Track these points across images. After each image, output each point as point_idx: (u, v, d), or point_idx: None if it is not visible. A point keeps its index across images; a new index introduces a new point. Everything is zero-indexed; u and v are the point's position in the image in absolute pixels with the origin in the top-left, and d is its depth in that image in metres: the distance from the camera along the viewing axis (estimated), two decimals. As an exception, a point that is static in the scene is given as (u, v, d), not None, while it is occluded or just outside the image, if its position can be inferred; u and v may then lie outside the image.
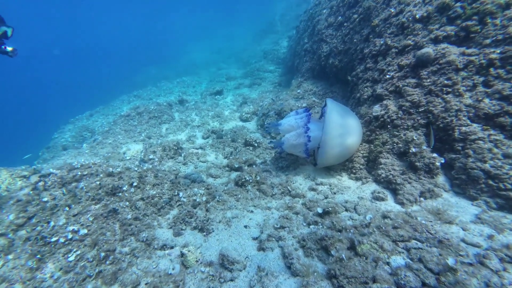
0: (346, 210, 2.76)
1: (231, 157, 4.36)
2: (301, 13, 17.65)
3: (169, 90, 11.35)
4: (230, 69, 16.65)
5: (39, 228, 2.36)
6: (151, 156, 4.18)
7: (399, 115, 3.15)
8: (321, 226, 2.47)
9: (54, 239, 2.24)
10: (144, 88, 12.09)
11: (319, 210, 2.63)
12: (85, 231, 2.36)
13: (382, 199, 2.88)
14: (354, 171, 3.49)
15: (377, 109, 3.47)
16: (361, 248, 1.93)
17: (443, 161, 2.74)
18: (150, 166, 3.34)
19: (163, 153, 4.30)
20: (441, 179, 2.81)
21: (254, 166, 3.99)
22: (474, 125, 2.62)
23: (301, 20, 10.27)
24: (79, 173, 2.91)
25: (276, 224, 2.59)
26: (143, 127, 5.67)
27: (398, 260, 1.93)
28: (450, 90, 2.80)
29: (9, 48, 3.90)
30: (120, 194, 2.73)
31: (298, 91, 6.94)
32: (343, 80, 5.98)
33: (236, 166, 3.98)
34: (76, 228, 2.36)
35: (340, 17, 6.30)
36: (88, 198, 2.65)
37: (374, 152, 3.36)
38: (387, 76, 3.54)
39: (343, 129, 3.13)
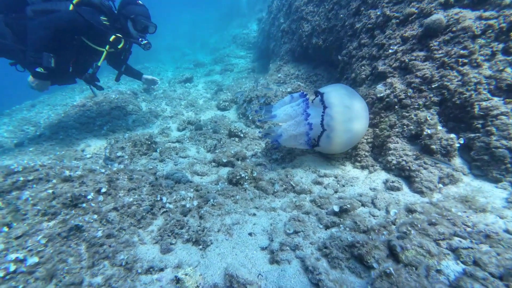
0: (363, 205, 2.46)
1: (216, 151, 3.85)
2: (270, -6, 17.02)
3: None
4: (197, 55, 15.73)
5: (-36, 263, 1.68)
6: (119, 154, 3.49)
7: (409, 94, 2.90)
8: (342, 228, 2.13)
9: (-12, 277, 1.60)
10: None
11: (336, 208, 2.28)
12: (35, 259, 1.74)
13: (398, 189, 2.63)
14: (358, 159, 3.21)
15: (381, 89, 3.20)
16: (406, 255, 1.62)
17: (462, 142, 2.55)
18: (121, 166, 2.70)
19: (134, 149, 3.64)
20: (458, 161, 2.63)
21: (245, 160, 3.54)
22: (495, 99, 2.44)
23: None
24: (21, 178, 2.20)
25: (288, 229, 2.19)
26: (104, 119, 4.85)
27: (451, 266, 1.65)
28: (466, 61, 2.58)
29: (144, 42, 3.98)
30: (84, 205, 2.11)
31: (279, 75, 6.53)
32: (328, 61, 5.69)
33: (224, 160, 3.49)
34: (21, 256, 1.73)
35: (321, -8, 5.93)
36: (36, 213, 2.00)
37: (381, 136, 3.10)
38: (390, 51, 3.27)
39: (351, 112, 2.79)
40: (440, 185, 2.49)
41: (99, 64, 4.04)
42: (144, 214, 2.25)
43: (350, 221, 2.16)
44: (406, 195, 2.52)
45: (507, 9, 2.45)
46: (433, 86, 2.74)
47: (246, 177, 2.90)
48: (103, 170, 2.43)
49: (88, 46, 3.86)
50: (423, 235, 1.79)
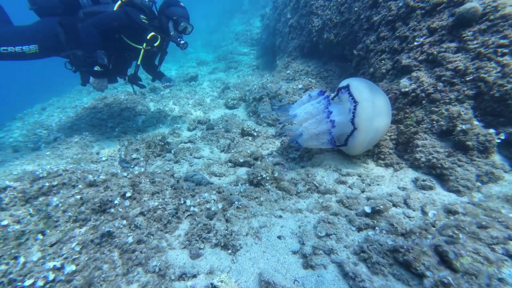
0: (395, 205, 2.36)
1: (232, 151, 3.76)
2: (273, -11, 16.87)
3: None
4: (199, 53, 15.61)
5: (2, 267, 1.61)
6: (134, 155, 3.41)
7: (438, 88, 2.80)
8: (378, 231, 2.03)
9: (28, 282, 1.53)
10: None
11: (367, 209, 2.19)
12: (72, 267, 1.67)
13: (430, 188, 2.53)
14: (382, 156, 3.11)
15: (405, 83, 3.10)
16: (461, 262, 1.52)
17: (504, 137, 2.45)
18: (142, 169, 2.61)
19: (148, 151, 3.55)
20: (497, 158, 2.53)
21: (261, 159, 3.45)
22: (537, 92, 2.35)
23: (278, -6, 9.65)
24: (47, 184, 2.12)
25: (320, 232, 2.10)
26: (115, 121, 4.76)
27: None
28: (507, 51, 2.47)
29: (182, 41, 4.14)
30: (112, 210, 2.03)
31: (288, 72, 6.42)
32: (340, 56, 5.58)
33: (241, 160, 3.40)
34: (58, 264, 1.66)
35: (332, -15, 5.81)
36: (67, 220, 1.92)
37: (406, 133, 3.01)
38: (415, 43, 3.16)
39: (376, 108, 2.70)
40: (479, 184, 2.39)
41: (138, 62, 4.20)
42: (169, 218, 2.17)
43: (385, 223, 2.07)
44: (440, 195, 2.43)
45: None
46: (467, 78, 2.63)
47: (268, 178, 2.81)
48: (125, 174, 2.34)
49: (126, 44, 4.00)
50: (475, 240, 1.70)
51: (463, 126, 2.54)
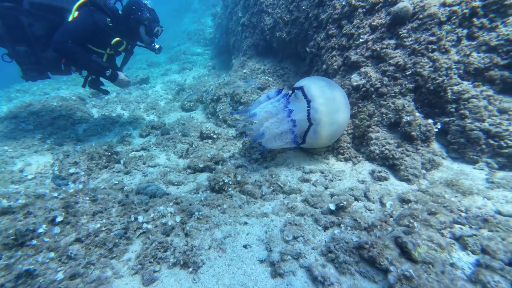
0: (357, 199, 2.39)
1: (191, 156, 3.51)
2: (223, -12, 16.65)
3: (73, 80, 9.10)
4: (149, 54, 14.74)
5: None
6: (71, 170, 2.95)
7: (384, 82, 2.92)
8: (344, 228, 2.01)
9: None
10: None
11: (332, 207, 2.17)
12: None
13: (385, 179, 2.63)
14: (341, 151, 3.17)
15: (356, 78, 3.19)
16: (419, 252, 1.55)
17: (440, 127, 2.64)
18: (79, 186, 2.23)
19: (91, 163, 3.12)
20: (435, 146, 2.72)
21: (223, 163, 3.28)
22: (465, 83, 2.56)
23: (228, -7, 9.51)
24: None
25: (287, 236, 2.01)
26: (46, 131, 4.13)
27: (463, 257, 1.63)
28: (435, 47, 2.66)
29: (156, 46, 4.02)
30: (35, 241, 1.67)
31: (244, 71, 6.32)
32: (294, 54, 5.64)
33: (201, 166, 3.18)
34: None
35: (280, -16, 5.84)
36: None
37: (361, 127, 3.10)
38: (360, 40, 3.27)
39: (334, 103, 2.71)
40: (423, 171, 2.54)
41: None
42: (116, 240, 1.88)
43: (349, 219, 2.07)
44: (394, 184, 2.53)
45: (467, -6, 2.57)
46: (407, 73, 2.79)
47: (230, 182, 2.65)
48: (55, 194, 1.97)
49: (87, 48, 3.70)
50: (427, 227, 1.76)
51: (408, 118, 2.68)
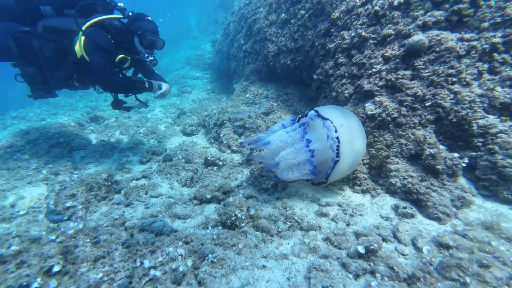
0: (385, 240, 2.19)
1: (197, 185, 3.29)
2: (221, 17, 17.38)
3: (70, 106, 8.95)
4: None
5: None
6: (68, 204, 2.69)
7: (402, 112, 2.85)
8: (380, 278, 1.80)
9: None
10: (29, 106, 9.20)
11: (361, 250, 1.96)
12: None
13: (412, 216, 2.45)
14: (358, 182, 3.01)
15: (371, 107, 3.12)
16: None
17: (467, 161, 2.52)
18: (79, 225, 1.97)
19: (89, 195, 2.87)
20: (463, 181, 2.59)
21: (232, 194, 3.06)
22: (491, 117, 2.49)
23: (229, 22, 9.81)
24: None
25: (314, 286, 1.78)
26: (42, 160, 3.89)
27: None
28: (455, 79, 2.62)
29: (150, 58, 3.79)
30: None
31: (247, 95, 6.30)
32: (298, 80, 5.66)
33: (208, 196, 2.96)
34: None
35: (283, 14, 6.01)
36: None
37: (378, 157, 2.97)
38: (373, 70, 3.25)
39: (351, 131, 2.60)
40: (454, 209, 2.38)
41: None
42: (120, 292, 1.61)
43: (383, 266, 1.86)
44: (423, 224, 2.35)
45: (486, 31, 2.59)
46: (426, 104, 2.72)
47: (243, 217, 2.44)
48: (52, 237, 1.72)
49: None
50: (483, 284, 1.56)
51: (431, 150, 2.57)
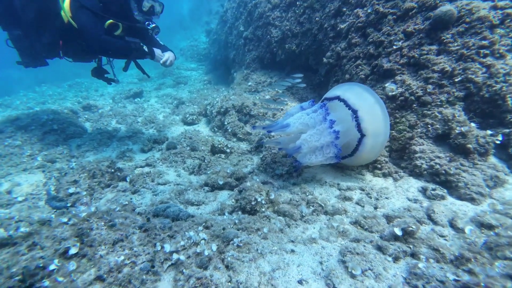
0: (419, 222, 2.10)
1: (208, 172, 3.16)
2: (215, 6, 17.10)
3: (59, 95, 8.66)
4: (138, 70, 14.56)
5: None
6: (71, 190, 2.53)
7: (428, 90, 2.77)
8: (425, 260, 1.71)
9: None
10: (15, 94, 8.88)
11: (398, 232, 1.88)
12: None
13: (442, 197, 2.38)
14: (378, 166, 2.93)
15: (392, 87, 3.03)
16: None
17: (501, 138, 2.46)
18: (91, 208, 1.82)
19: (92, 181, 2.71)
20: (494, 160, 2.53)
21: (247, 179, 2.95)
22: (526, 90, 2.43)
23: (226, 9, 9.61)
24: None
25: (354, 269, 1.68)
26: (36, 147, 3.70)
27: None
28: (488, 52, 2.54)
29: (152, 25, 3.53)
30: (47, 282, 1.26)
31: (249, 84, 6.17)
32: (304, 66, 5.55)
33: (221, 183, 2.84)
34: None
35: (287, -4, 5.88)
36: None
37: (400, 139, 2.89)
38: (394, 47, 3.16)
39: (376, 111, 2.51)
40: (487, 189, 2.32)
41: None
42: (143, 276, 1.48)
43: (426, 248, 1.77)
44: (456, 205, 2.28)
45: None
46: (455, 80, 2.65)
47: (263, 202, 2.33)
48: (64, 219, 1.57)
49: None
50: None
51: (462, 129, 2.50)
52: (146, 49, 3.44)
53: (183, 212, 2.15)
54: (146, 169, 3.31)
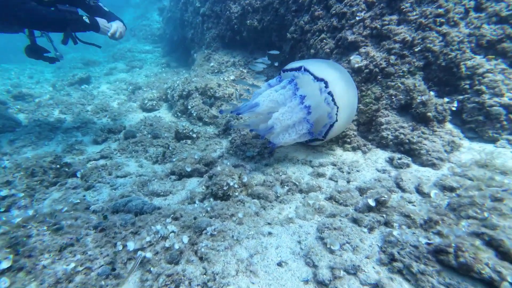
0: (390, 191, 2.16)
1: (173, 160, 2.94)
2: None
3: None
4: (84, 53, 13.31)
5: None
6: (3, 193, 2.16)
7: (391, 61, 2.80)
8: (398, 227, 1.74)
9: None
10: None
11: (371, 202, 1.89)
12: None
13: (408, 165, 2.47)
14: (348, 140, 2.96)
15: (357, 59, 3.02)
16: None
17: (456, 105, 2.59)
18: (29, 212, 1.53)
19: (32, 181, 2.36)
20: (450, 126, 2.67)
21: (217, 164, 2.80)
22: (477, 57, 2.56)
23: (181, -17, 8.95)
24: None
25: (332, 245, 1.66)
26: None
27: None
28: (444, 20, 2.61)
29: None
30: None
31: (211, 64, 5.87)
32: (268, 44, 5.39)
33: (189, 170, 2.66)
34: None
35: (246, -31, 5.57)
36: None
37: (367, 112, 2.93)
38: (356, 19, 3.13)
39: (344, 83, 2.49)
40: (445, 154, 2.45)
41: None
42: (102, 282, 1.30)
43: (398, 216, 1.81)
44: (420, 171, 2.38)
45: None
46: (415, 50, 2.71)
47: (236, 186, 2.21)
48: (-7, 227, 1.30)
49: None
50: (503, 216, 1.57)
51: (422, 98, 2.59)
52: (88, 20, 2.96)
53: (148, 204, 1.95)
54: (101, 162, 2.99)
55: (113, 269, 1.38)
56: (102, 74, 8.67)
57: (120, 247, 1.49)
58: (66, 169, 2.65)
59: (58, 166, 2.62)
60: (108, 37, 3.11)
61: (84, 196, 2.28)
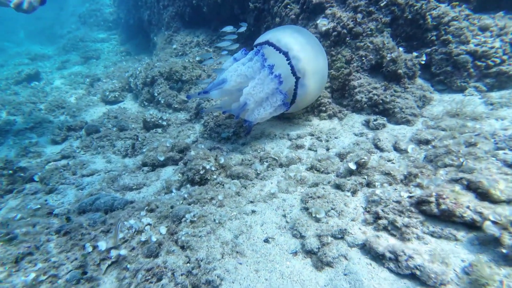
0: (369, 152, 2.16)
1: (144, 150, 2.77)
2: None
3: None
4: (28, 46, 12.20)
5: None
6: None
7: (358, 20, 2.73)
8: (379, 187, 1.74)
9: None
10: None
11: (352, 166, 1.87)
12: None
13: (384, 126, 2.48)
14: (323, 108, 2.91)
15: (324, 22, 2.93)
16: (500, 189, 1.35)
17: (425, 58, 2.60)
18: None
19: (-17, 192, 2.11)
20: (420, 81, 2.69)
21: (191, 149, 2.66)
22: (442, 5, 2.55)
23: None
24: None
25: (317, 213, 1.64)
26: None
27: None
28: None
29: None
30: None
31: (174, 47, 5.53)
32: (231, 18, 5.13)
33: (162, 159, 2.51)
34: None
35: None
36: None
37: (339, 77, 2.88)
38: (319, -20, 3.00)
39: (311, 48, 2.40)
40: (418, 109, 2.48)
41: None
42: (73, 284, 1.18)
43: (379, 175, 1.81)
44: (395, 130, 2.40)
45: None
46: (381, 5, 2.65)
47: (213, 168, 2.11)
48: None
49: None
50: (479, 160, 1.60)
51: (392, 55, 2.57)
52: None
53: (118, 200, 1.81)
54: (63, 162, 2.75)
55: (84, 273, 1.26)
56: (53, 69, 7.97)
57: (90, 249, 1.37)
58: (21, 174, 2.40)
59: (10, 171, 2.37)
60: (12, 8, 2.54)
61: (46, 200, 2.08)
